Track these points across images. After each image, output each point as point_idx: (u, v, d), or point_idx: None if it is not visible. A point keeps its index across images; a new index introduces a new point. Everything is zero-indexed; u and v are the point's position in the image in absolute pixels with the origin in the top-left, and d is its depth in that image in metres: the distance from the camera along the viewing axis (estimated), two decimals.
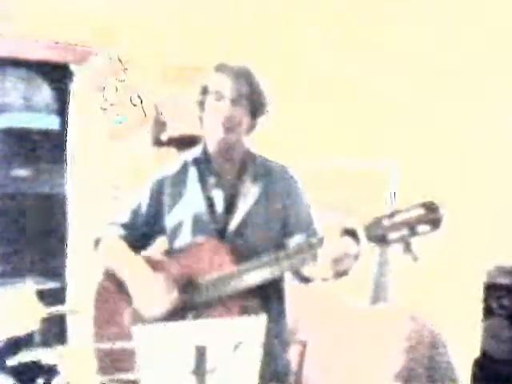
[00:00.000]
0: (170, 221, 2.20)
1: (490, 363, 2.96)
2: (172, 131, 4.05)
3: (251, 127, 2.19)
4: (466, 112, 3.29)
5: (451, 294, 3.18)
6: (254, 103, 2.14)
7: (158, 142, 4.07)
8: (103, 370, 1.99)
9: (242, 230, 2.12)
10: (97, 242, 2.24)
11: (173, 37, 3.86)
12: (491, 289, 2.98)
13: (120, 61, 3.81)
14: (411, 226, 1.81)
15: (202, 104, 2.16)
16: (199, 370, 1.49)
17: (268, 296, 2.11)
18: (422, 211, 1.82)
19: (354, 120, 3.72)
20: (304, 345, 2.20)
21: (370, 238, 1.85)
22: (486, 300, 2.98)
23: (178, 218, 2.18)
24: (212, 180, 2.18)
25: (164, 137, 4.06)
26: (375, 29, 3.66)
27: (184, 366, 1.48)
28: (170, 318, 2.00)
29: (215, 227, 2.13)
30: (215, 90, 2.10)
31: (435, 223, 1.81)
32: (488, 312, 2.98)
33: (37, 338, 3.09)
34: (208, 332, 1.50)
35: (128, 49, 3.77)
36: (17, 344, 2.98)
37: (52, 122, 3.96)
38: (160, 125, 4.06)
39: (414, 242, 1.84)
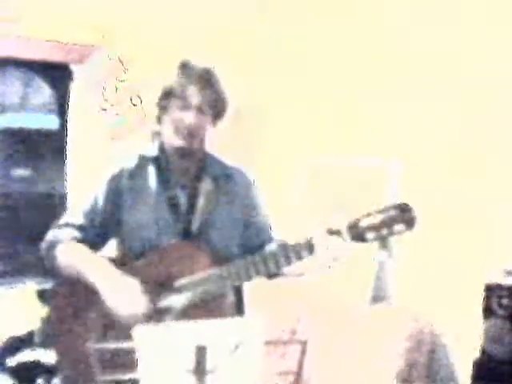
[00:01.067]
0: (129, 219, 2.14)
1: (490, 363, 2.95)
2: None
3: (211, 128, 2.18)
4: (467, 112, 3.29)
5: (451, 294, 3.18)
6: (217, 108, 2.13)
7: None
8: (103, 370, 1.98)
9: (206, 231, 2.12)
10: (52, 246, 2.15)
11: (173, 36, 3.85)
12: (491, 289, 2.98)
13: (120, 61, 3.81)
14: (388, 226, 1.97)
15: (164, 108, 2.13)
16: (199, 369, 1.48)
17: (239, 297, 2.14)
18: (397, 212, 1.97)
19: (355, 120, 3.72)
20: (304, 345, 2.19)
21: (352, 237, 1.99)
22: (486, 300, 2.98)
23: (138, 216, 2.13)
24: (173, 179, 2.16)
25: None
26: (376, 28, 3.65)
27: (184, 366, 1.48)
28: (145, 321, 1.96)
29: (178, 227, 2.12)
30: (181, 96, 2.08)
31: (409, 223, 1.97)
32: (488, 312, 2.97)
33: (37, 338, 3.09)
34: (208, 332, 1.50)
35: (128, 49, 3.77)
36: (17, 344, 2.98)
37: (52, 122, 3.97)
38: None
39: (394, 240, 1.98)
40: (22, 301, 3.13)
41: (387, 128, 3.56)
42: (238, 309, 2.18)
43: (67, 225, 2.18)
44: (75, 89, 3.89)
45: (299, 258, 1.99)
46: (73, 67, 3.86)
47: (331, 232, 1.99)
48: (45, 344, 3.04)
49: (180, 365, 1.48)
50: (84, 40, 3.69)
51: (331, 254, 1.98)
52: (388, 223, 1.96)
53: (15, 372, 2.97)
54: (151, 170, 2.18)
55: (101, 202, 2.16)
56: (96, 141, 3.85)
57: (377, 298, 3.56)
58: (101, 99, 3.82)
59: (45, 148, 3.97)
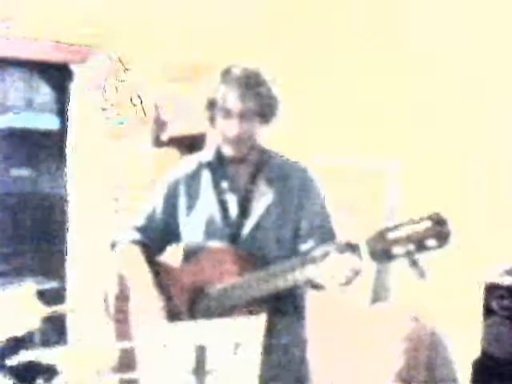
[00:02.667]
0: (184, 224, 2.18)
1: (490, 363, 2.95)
2: (172, 131, 4.05)
3: (265, 127, 2.14)
4: (469, 112, 3.29)
5: (451, 294, 3.18)
6: (264, 112, 2.08)
7: (158, 142, 4.07)
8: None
9: (255, 235, 2.09)
10: (113, 245, 2.23)
11: (173, 36, 3.85)
12: (491, 289, 2.98)
13: (120, 61, 3.81)
14: (418, 240, 1.72)
15: (212, 119, 2.12)
16: (199, 369, 1.48)
17: (281, 305, 2.06)
18: (428, 224, 1.72)
19: (356, 120, 3.71)
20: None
21: (373, 254, 1.78)
22: (486, 300, 2.98)
23: (192, 221, 2.15)
24: (225, 184, 2.14)
25: (164, 137, 4.06)
26: (377, 29, 3.65)
27: (184, 366, 1.48)
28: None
29: (228, 232, 2.11)
30: (223, 106, 2.05)
31: (443, 237, 1.72)
32: (488, 312, 2.98)
33: (37, 338, 3.09)
34: (208, 332, 1.50)
35: (128, 49, 3.77)
36: (17, 344, 2.98)
37: (52, 122, 3.96)
38: (160, 125, 4.06)
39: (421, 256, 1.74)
40: (21, 301, 3.12)
41: (387, 128, 3.56)
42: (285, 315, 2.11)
43: (131, 227, 2.25)
44: (75, 89, 3.89)
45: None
46: (73, 67, 3.85)
47: (348, 246, 1.81)
48: (45, 344, 3.03)
49: (180, 365, 1.48)
50: (84, 40, 3.69)
51: (343, 273, 1.83)
52: (418, 237, 1.72)
53: (15, 372, 2.97)
54: (206, 175, 2.18)
55: (160, 207, 2.20)
56: (96, 141, 3.85)
57: (377, 297, 3.56)
58: (101, 99, 3.82)
59: (45, 148, 3.97)
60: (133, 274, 2.13)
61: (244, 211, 2.11)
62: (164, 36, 3.82)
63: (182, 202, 2.17)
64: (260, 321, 1.55)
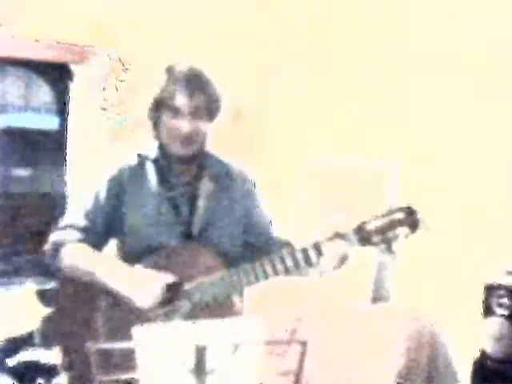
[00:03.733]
0: (130, 220, 2.14)
1: (490, 363, 2.95)
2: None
3: (209, 124, 2.15)
4: (469, 112, 3.29)
5: (451, 294, 3.18)
6: (211, 109, 2.10)
7: None
8: (103, 369, 1.98)
9: (207, 231, 2.12)
10: (56, 248, 2.15)
11: (173, 36, 3.85)
12: (491, 289, 2.98)
13: (120, 61, 3.81)
14: (393, 229, 2.00)
15: (157, 118, 2.11)
16: (199, 369, 1.48)
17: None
18: (401, 215, 2.01)
19: (356, 120, 3.72)
20: (304, 345, 2.20)
21: (359, 241, 2.02)
22: (486, 300, 2.98)
23: (139, 217, 2.13)
24: (173, 180, 2.15)
25: None
26: (378, 28, 3.65)
27: (184, 366, 1.48)
28: (162, 314, 1.99)
29: (180, 228, 2.11)
30: (172, 106, 2.05)
31: (414, 225, 2.00)
32: (488, 312, 2.97)
33: (37, 338, 3.09)
34: (208, 332, 1.50)
35: (128, 49, 3.77)
36: (17, 344, 2.98)
37: (52, 122, 3.96)
38: None
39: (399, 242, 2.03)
40: (21, 301, 3.12)
41: (387, 128, 3.56)
42: None
43: (70, 226, 2.17)
44: (75, 89, 3.88)
45: (307, 261, 2.00)
46: (73, 67, 3.85)
47: (338, 235, 2.01)
48: (45, 344, 3.03)
49: (180, 365, 1.48)
50: (84, 40, 3.69)
51: (338, 257, 2.00)
52: (393, 226, 2.00)
53: (15, 372, 2.97)
54: (151, 171, 2.17)
55: (102, 203, 2.15)
56: (96, 141, 3.85)
57: (377, 297, 3.56)
58: (101, 99, 3.82)
59: (45, 148, 3.97)
60: (105, 265, 2.06)
61: (193, 208, 2.13)
62: (164, 36, 3.82)
63: (128, 198, 2.14)
64: (260, 321, 1.55)
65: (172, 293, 2.02)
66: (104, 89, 3.82)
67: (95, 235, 2.16)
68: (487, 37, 3.21)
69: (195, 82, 2.06)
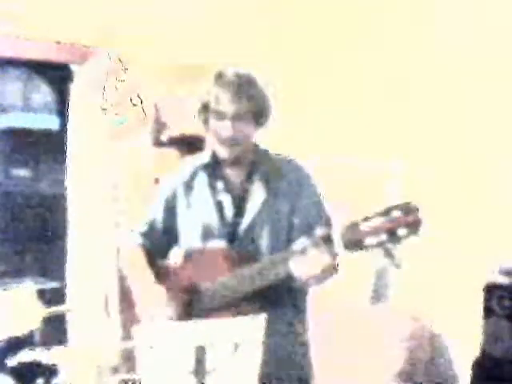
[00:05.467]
0: (183, 227, 2.22)
1: (490, 363, 2.95)
2: (172, 131, 4.05)
3: (259, 129, 2.17)
4: (469, 113, 3.29)
5: (451, 294, 3.18)
6: (257, 113, 2.11)
7: (158, 142, 4.07)
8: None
9: (252, 233, 2.12)
10: (118, 249, 2.35)
11: (173, 36, 3.85)
12: (491, 289, 2.98)
13: (120, 61, 3.81)
14: (389, 230, 1.74)
15: (206, 121, 2.15)
16: (199, 370, 1.49)
17: (271, 298, 2.05)
18: (399, 214, 1.73)
19: (356, 120, 3.71)
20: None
21: (347, 245, 1.80)
22: (486, 300, 2.98)
23: (190, 223, 2.19)
24: (221, 184, 2.17)
25: (164, 137, 4.06)
26: (379, 29, 3.65)
27: (184, 366, 1.48)
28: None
29: (225, 231, 2.13)
30: (215, 109, 2.08)
31: (414, 226, 1.72)
32: (488, 312, 2.97)
33: (37, 338, 3.09)
34: (208, 332, 1.50)
35: (128, 49, 3.77)
36: (17, 344, 2.98)
37: (52, 122, 3.97)
38: (160, 125, 4.05)
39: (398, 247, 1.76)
40: (21, 301, 3.12)
41: (388, 128, 3.56)
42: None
43: (134, 231, 2.30)
44: (75, 89, 3.88)
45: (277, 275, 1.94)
46: (73, 67, 3.85)
47: (323, 239, 1.84)
48: (45, 344, 3.04)
49: (180, 365, 1.48)
50: (84, 40, 3.69)
51: (320, 264, 1.84)
52: (390, 226, 1.73)
53: (15, 372, 2.97)
54: (203, 178, 2.21)
55: (160, 212, 2.25)
56: (96, 141, 3.85)
57: (377, 297, 3.56)
58: (101, 99, 3.82)
59: (45, 148, 3.98)
60: (135, 276, 2.19)
61: (239, 210, 2.14)
62: (164, 36, 3.82)
63: (181, 205, 2.21)
64: (260, 321, 1.55)
65: (191, 296, 2.07)
66: (104, 89, 3.82)
67: (155, 242, 2.26)
68: (488, 37, 3.21)
69: (241, 86, 2.07)
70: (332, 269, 1.90)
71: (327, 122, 3.83)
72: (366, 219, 1.78)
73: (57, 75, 3.91)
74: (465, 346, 3.13)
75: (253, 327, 1.53)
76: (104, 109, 3.83)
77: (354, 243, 1.78)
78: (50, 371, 2.91)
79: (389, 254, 1.78)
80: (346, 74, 3.77)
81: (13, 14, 3.47)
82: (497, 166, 3.19)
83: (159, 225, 2.25)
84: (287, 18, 4.00)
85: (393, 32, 3.59)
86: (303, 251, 1.89)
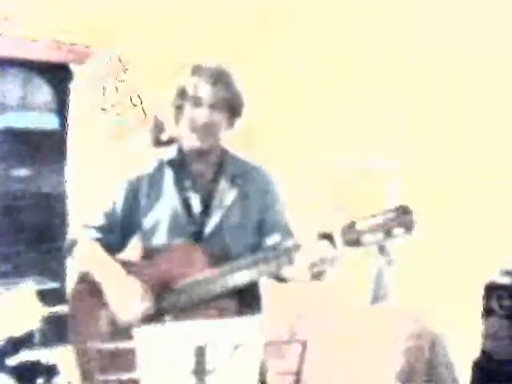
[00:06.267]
0: (146, 222, 2.18)
1: (490, 363, 2.96)
2: (172, 131, 4.05)
3: (228, 128, 2.18)
4: (469, 113, 3.29)
5: (451, 294, 3.18)
6: (232, 106, 2.13)
7: (158, 142, 4.07)
8: (103, 369, 1.99)
9: (219, 232, 2.12)
10: (71, 245, 2.21)
11: (173, 36, 3.85)
12: (491, 289, 2.98)
13: (120, 61, 3.81)
14: (385, 230, 1.88)
15: (180, 107, 2.14)
16: (199, 370, 1.49)
17: (244, 298, 2.07)
18: (395, 215, 1.88)
19: (356, 120, 3.72)
20: (304, 345, 2.20)
21: (346, 242, 1.90)
22: (486, 300, 2.98)
23: (154, 219, 2.16)
24: (188, 182, 2.17)
25: (164, 137, 4.06)
26: (377, 30, 3.66)
27: (184, 366, 1.48)
28: (146, 322, 1.98)
29: (192, 229, 2.13)
30: (193, 95, 2.09)
31: (408, 226, 1.87)
32: (488, 312, 2.98)
33: (37, 338, 3.09)
34: (208, 332, 1.50)
35: (128, 49, 3.77)
36: (17, 344, 2.98)
37: (52, 122, 3.96)
38: (160, 125, 4.06)
39: (391, 244, 1.87)
40: (21, 301, 3.13)
41: (387, 128, 3.56)
42: (250, 308, 2.13)
43: (88, 226, 2.22)
44: (75, 89, 3.88)
45: (290, 261, 1.95)
46: (73, 67, 3.85)
47: (323, 236, 1.92)
48: (45, 344, 3.04)
49: (180, 365, 1.48)
50: (84, 40, 3.69)
51: (319, 259, 1.90)
52: (385, 226, 1.87)
53: (15, 372, 2.97)
54: (168, 173, 2.19)
55: (120, 205, 2.20)
56: (96, 141, 3.85)
57: (377, 298, 3.56)
58: (101, 99, 3.82)
59: (45, 148, 3.97)
60: (103, 270, 2.10)
61: (207, 209, 2.14)
62: (164, 36, 3.82)
63: (144, 200, 2.18)
64: (260, 321, 1.55)
65: (162, 292, 2.04)
66: (104, 89, 3.82)
67: (112, 236, 2.20)
68: (487, 37, 3.21)
69: (219, 77, 2.10)
70: (330, 263, 1.93)
71: (327, 122, 3.83)
72: (364, 219, 1.90)
73: (57, 75, 3.91)
74: (465, 345, 3.13)
75: (252, 327, 1.53)
76: (104, 109, 3.83)
77: (353, 241, 1.90)
78: (50, 371, 2.91)
79: (383, 251, 1.89)
80: (345, 74, 3.77)
81: (12, 14, 3.47)
82: (497, 166, 3.19)
83: (118, 217, 2.19)
84: (287, 18, 4.00)
85: (393, 31, 3.59)
86: (299, 247, 1.93)
